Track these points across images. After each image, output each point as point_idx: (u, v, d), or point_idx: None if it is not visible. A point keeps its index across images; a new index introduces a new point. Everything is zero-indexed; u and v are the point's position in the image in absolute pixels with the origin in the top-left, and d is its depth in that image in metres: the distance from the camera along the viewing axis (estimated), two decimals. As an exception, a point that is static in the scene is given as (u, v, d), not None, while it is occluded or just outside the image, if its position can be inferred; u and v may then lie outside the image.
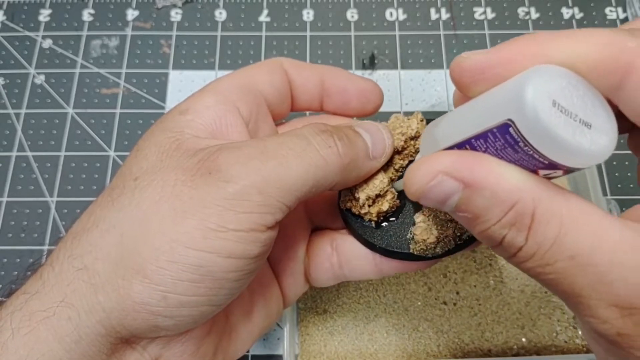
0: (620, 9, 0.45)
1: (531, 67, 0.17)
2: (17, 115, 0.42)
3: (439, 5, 0.46)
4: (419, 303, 0.34)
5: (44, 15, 0.45)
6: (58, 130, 0.41)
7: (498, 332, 0.34)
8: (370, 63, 0.44)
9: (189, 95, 0.24)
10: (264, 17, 0.45)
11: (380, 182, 0.24)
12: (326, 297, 0.35)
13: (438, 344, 0.33)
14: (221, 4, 0.46)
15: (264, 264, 0.26)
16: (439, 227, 0.23)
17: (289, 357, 0.31)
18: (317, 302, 0.35)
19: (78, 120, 0.41)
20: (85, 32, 0.45)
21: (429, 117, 0.24)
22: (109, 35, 0.45)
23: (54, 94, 0.42)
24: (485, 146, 0.18)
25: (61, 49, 0.44)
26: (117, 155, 0.41)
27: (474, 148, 0.18)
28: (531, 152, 0.16)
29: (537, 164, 0.17)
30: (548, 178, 0.18)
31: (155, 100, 0.42)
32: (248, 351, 0.34)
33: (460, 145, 0.19)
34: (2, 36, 0.44)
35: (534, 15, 0.45)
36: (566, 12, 0.45)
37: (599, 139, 0.16)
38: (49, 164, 0.40)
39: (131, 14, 0.45)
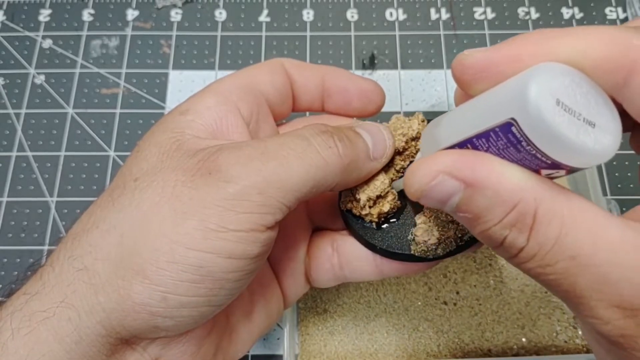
0: (620, 9, 0.45)
1: (534, 65, 0.17)
2: (17, 115, 0.42)
3: (439, 5, 0.46)
4: (419, 303, 0.34)
5: (44, 15, 0.45)
6: (58, 130, 0.41)
7: (498, 332, 0.34)
8: (370, 63, 0.44)
9: (190, 95, 0.24)
10: (264, 17, 0.45)
11: (381, 183, 0.24)
12: (326, 297, 0.35)
13: (438, 343, 0.33)
14: (221, 4, 0.46)
15: (264, 265, 0.26)
16: (440, 229, 0.23)
17: (289, 357, 0.31)
18: (317, 301, 0.35)
19: (78, 120, 0.41)
20: (85, 32, 0.44)
21: (430, 117, 0.24)
22: (109, 35, 0.44)
23: (54, 94, 0.42)
24: (487, 145, 0.17)
25: (61, 49, 0.44)
26: (117, 155, 0.40)
27: (475, 147, 0.18)
28: (534, 152, 0.16)
29: (539, 164, 0.17)
30: (550, 178, 0.17)
31: (155, 100, 0.42)
32: (248, 351, 0.34)
33: (461, 145, 0.19)
34: (2, 36, 0.44)
35: (534, 15, 0.45)
36: (566, 12, 0.45)
37: (603, 138, 0.16)
38: (49, 164, 0.40)
39: (131, 14, 0.45)
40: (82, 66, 0.43)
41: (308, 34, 0.45)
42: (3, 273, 0.37)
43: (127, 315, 0.19)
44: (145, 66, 0.43)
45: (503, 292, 0.35)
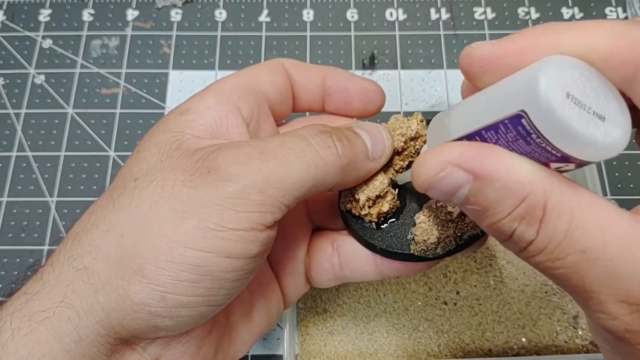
0: (620, 9, 0.45)
1: (543, 58, 0.17)
2: (17, 115, 0.42)
3: (439, 5, 0.46)
4: (419, 303, 0.34)
5: (44, 15, 0.45)
6: (58, 130, 0.41)
7: (498, 332, 0.34)
8: (370, 63, 0.44)
9: (190, 95, 0.24)
10: (264, 17, 0.45)
11: (380, 183, 0.24)
12: (326, 297, 0.35)
13: (438, 343, 0.33)
14: (221, 4, 0.46)
15: (264, 264, 0.26)
16: (439, 228, 0.23)
17: (289, 357, 0.31)
18: (317, 301, 0.35)
19: (78, 120, 0.41)
20: (85, 32, 0.45)
21: (429, 117, 0.24)
22: (109, 35, 0.44)
23: (54, 94, 0.42)
24: (496, 138, 0.17)
25: (61, 49, 0.44)
26: (117, 155, 0.40)
27: (484, 140, 0.18)
28: (544, 145, 0.16)
29: (549, 157, 0.16)
30: (560, 171, 0.17)
31: (155, 100, 0.42)
32: (248, 351, 0.34)
33: (469, 137, 0.18)
34: (2, 36, 0.44)
35: (534, 15, 0.45)
36: (566, 12, 0.45)
37: (612, 132, 0.16)
38: (49, 164, 0.40)
39: (131, 14, 0.45)
40: (82, 66, 0.43)
41: (308, 34, 0.45)
42: (3, 273, 0.37)
43: (127, 315, 0.19)
44: (145, 66, 0.43)
45: (503, 292, 0.35)
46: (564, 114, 0.15)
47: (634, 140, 0.20)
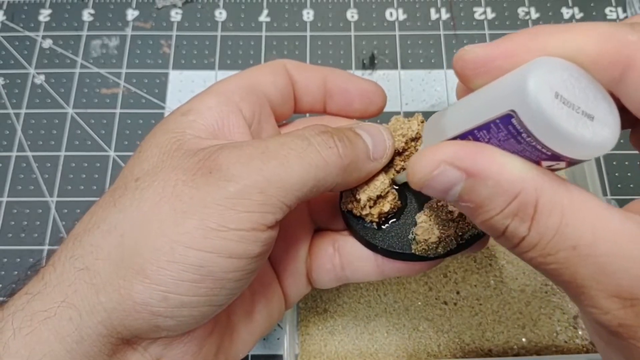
0: (620, 9, 0.45)
1: (533, 60, 0.17)
2: (17, 115, 0.42)
3: (439, 5, 0.46)
4: (420, 303, 0.34)
5: (44, 15, 0.45)
6: (58, 130, 0.41)
7: (499, 332, 0.34)
8: (370, 63, 0.44)
9: (191, 96, 0.24)
10: (264, 17, 0.45)
11: (381, 183, 0.24)
12: (326, 297, 0.35)
13: (438, 343, 0.33)
14: (221, 4, 0.46)
15: (265, 264, 0.26)
16: (440, 227, 0.23)
17: (289, 357, 0.31)
18: (317, 301, 0.35)
19: (78, 120, 0.41)
20: (85, 32, 0.45)
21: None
22: (109, 35, 0.44)
23: (54, 94, 0.42)
24: (488, 137, 0.18)
25: (61, 49, 0.44)
26: (117, 155, 0.40)
27: (477, 139, 0.18)
28: (534, 143, 0.16)
29: (539, 155, 0.17)
30: (551, 170, 0.18)
31: (155, 100, 0.42)
32: (249, 351, 0.34)
33: (463, 136, 0.19)
34: (2, 36, 0.44)
35: (534, 15, 0.45)
36: (566, 12, 0.45)
37: (601, 131, 0.16)
38: (49, 164, 0.40)
39: (131, 14, 0.45)
40: (82, 66, 0.43)
41: (308, 34, 0.45)
42: (3, 273, 0.37)
43: (128, 315, 0.19)
44: (145, 66, 0.43)
45: (503, 292, 0.35)
46: (552, 113, 0.15)
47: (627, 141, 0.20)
